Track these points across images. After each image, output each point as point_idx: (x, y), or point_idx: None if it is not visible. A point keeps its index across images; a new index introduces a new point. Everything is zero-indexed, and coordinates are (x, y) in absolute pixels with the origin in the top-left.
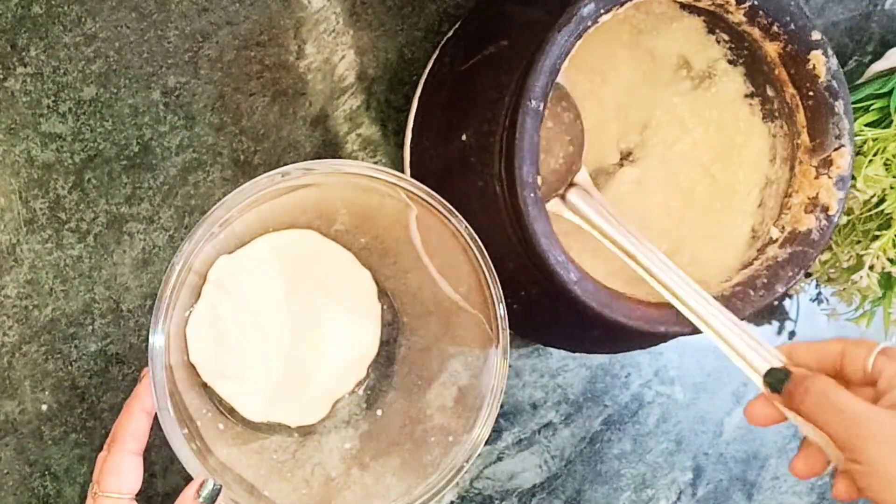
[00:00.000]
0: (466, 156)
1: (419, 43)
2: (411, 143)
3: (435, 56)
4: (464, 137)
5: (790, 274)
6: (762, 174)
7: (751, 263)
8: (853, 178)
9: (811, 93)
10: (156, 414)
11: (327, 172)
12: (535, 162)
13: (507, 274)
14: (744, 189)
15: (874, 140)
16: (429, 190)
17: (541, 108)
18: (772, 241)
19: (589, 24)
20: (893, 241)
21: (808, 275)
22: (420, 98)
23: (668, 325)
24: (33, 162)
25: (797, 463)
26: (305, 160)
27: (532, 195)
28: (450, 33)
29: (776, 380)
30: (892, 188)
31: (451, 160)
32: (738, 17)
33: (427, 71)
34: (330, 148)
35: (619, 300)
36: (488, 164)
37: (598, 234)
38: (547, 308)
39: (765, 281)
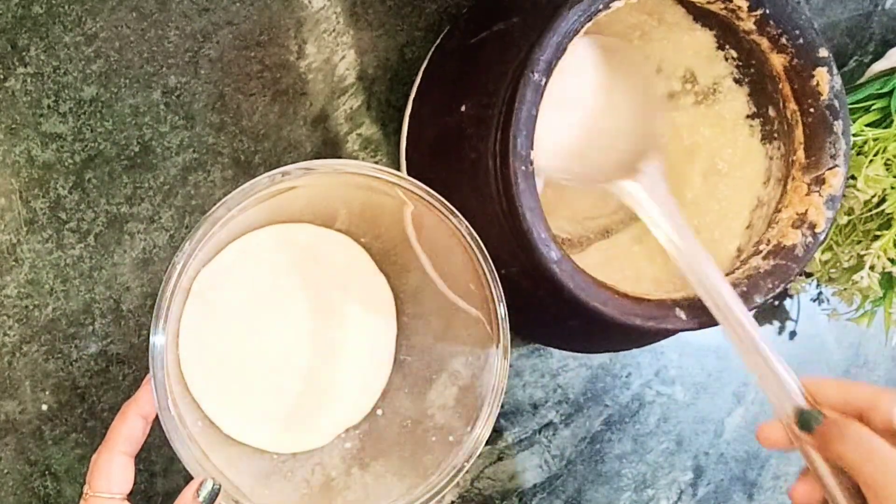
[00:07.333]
0: (464, 126)
1: (419, 43)
2: (410, 113)
3: (444, 32)
4: (463, 108)
5: (770, 286)
6: (754, 196)
7: (732, 272)
8: (853, 177)
9: (812, 109)
10: (157, 414)
11: (327, 172)
12: (530, 135)
13: (490, 252)
14: (734, 210)
15: (874, 140)
16: (429, 189)
17: (543, 82)
18: (756, 252)
19: (601, 6)
20: (894, 241)
21: (808, 275)
22: (425, 70)
23: (644, 319)
24: (34, 162)
25: (799, 489)
26: (305, 160)
27: (523, 168)
28: (464, 12)
29: (808, 419)
30: (892, 188)
31: (448, 130)
32: (748, 24)
33: (434, 46)
34: (330, 148)
35: (598, 287)
36: (484, 136)
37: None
38: (526, 291)
39: (744, 290)
